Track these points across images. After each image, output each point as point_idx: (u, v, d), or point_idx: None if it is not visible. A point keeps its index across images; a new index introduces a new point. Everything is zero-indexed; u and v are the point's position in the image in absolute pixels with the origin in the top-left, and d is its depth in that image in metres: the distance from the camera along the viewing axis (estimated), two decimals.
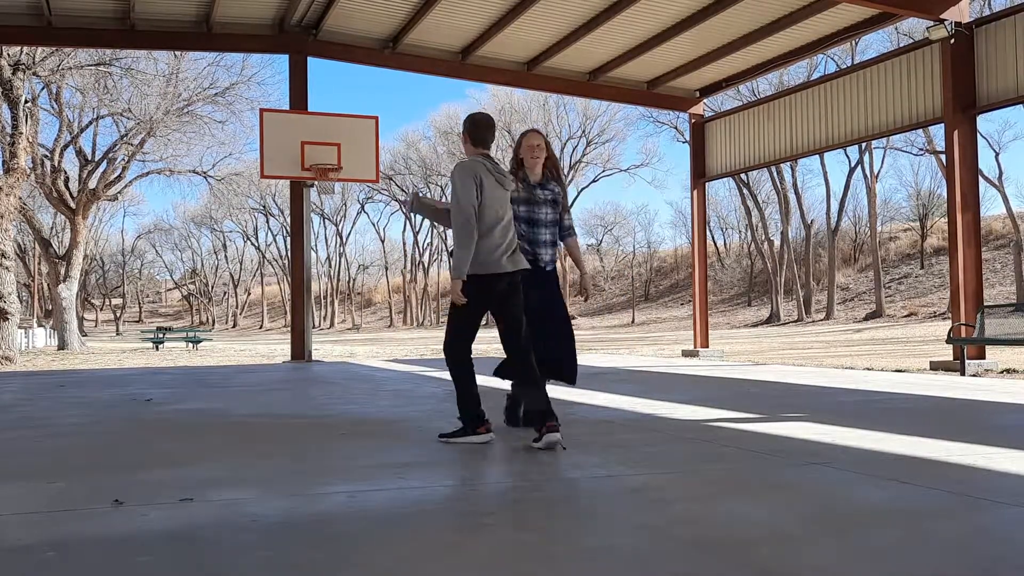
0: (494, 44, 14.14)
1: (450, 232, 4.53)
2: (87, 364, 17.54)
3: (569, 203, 5.26)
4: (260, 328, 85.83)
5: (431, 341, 37.74)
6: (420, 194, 5.12)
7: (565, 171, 66.48)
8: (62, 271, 28.80)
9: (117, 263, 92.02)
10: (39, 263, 50.29)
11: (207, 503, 3.04)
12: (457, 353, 4.43)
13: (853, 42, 34.47)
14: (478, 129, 4.47)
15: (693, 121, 16.60)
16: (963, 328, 10.93)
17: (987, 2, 33.91)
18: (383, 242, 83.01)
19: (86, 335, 51.57)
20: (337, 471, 3.69)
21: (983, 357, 11.03)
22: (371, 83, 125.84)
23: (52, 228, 51.21)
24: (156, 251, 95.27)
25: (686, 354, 15.95)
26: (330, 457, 4.11)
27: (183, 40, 14.40)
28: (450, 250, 4.47)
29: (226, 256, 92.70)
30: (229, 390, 8.28)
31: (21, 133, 20.33)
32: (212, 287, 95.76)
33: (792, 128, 14.28)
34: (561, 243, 5.17)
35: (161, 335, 31.35)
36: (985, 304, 11.05)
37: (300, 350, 13.58)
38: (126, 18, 12.85)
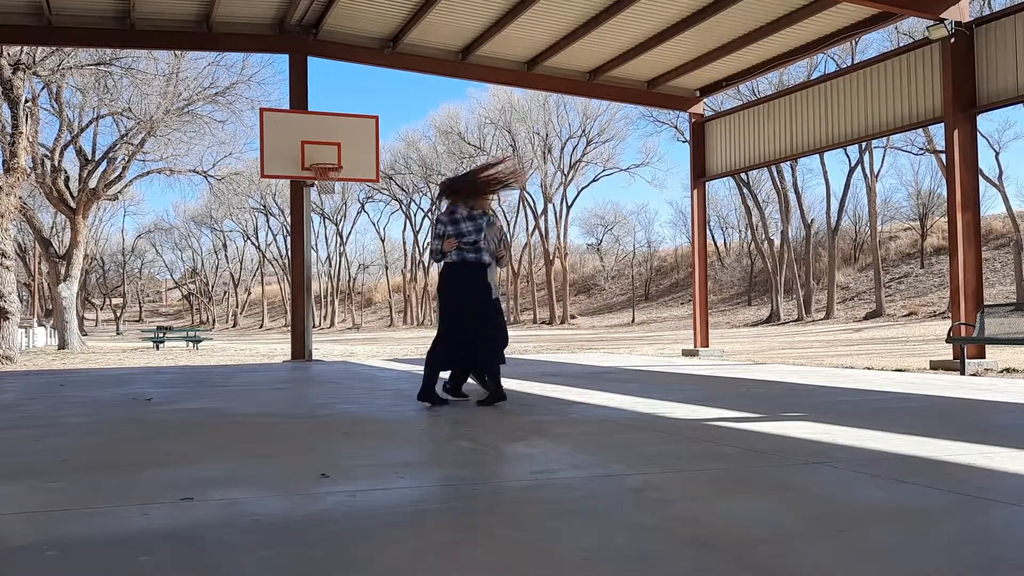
0: (494, 44, 14.14)
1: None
2: (87, 364, 17.54)
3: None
4: (260, 327, 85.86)
5: (431, 340, 37.68)
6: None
7: (565, 171, 66.73)
8: (62, 270, 28.81)
9: (117, 263, 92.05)
10: (39, 263, 50.31)
11: (207, 503, 3.04)
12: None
13: (853, 42, 34.46)
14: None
15: (693, 120, 16.60)
16: (963, 327, 10.93)
17: (987, 1, 33.88)
18: (383, 241, 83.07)
19: (86, 334, 51.58)
20: (337, 471, 3.69)
21: (983, 356, 11.03)
22: (371, 83, 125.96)
23: (52, 228, 51.19)
24: (156, 251, 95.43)
25: (686, 353, 15.95)
26: (330, 457, 4.11)
27: (183, 40, 14.40)
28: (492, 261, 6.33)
29: (226, 256, 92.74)
30: (229, 389, 8.28)
31: (21, 133, 20.34)
32: (212, 287, 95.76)
33: (792, 128, 14.28)
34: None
35: (161, 334, 31.36)
36: (985, 303, 11.05)
37: (300, 349, 13.58)
38: (126, 18, 12.85)
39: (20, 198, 22.04)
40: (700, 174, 16.37)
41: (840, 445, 4.19)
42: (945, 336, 11.45)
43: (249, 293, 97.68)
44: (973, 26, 11.09)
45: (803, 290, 50.09)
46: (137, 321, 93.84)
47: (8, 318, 17.50)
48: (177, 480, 3.50)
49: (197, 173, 33.30)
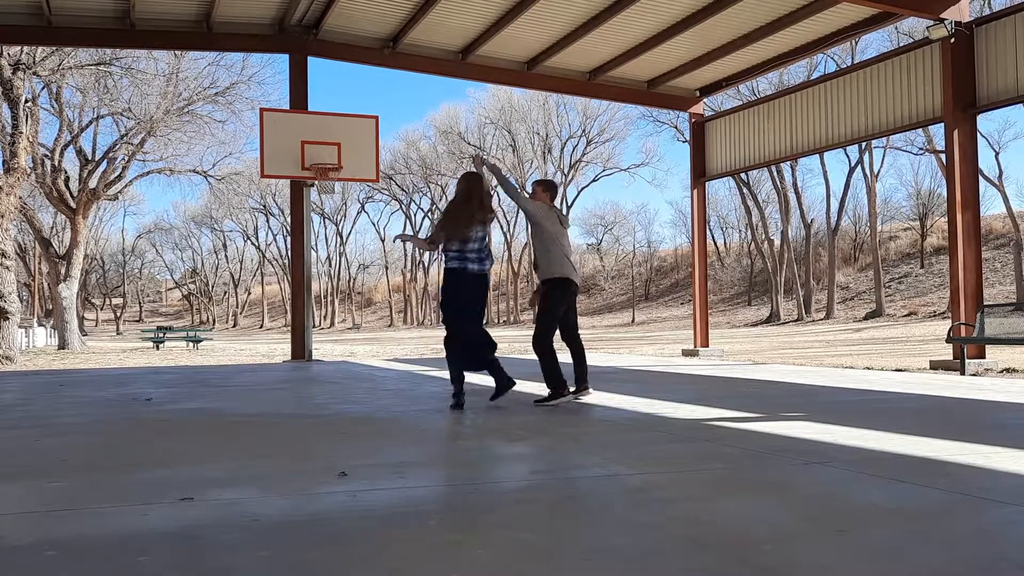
0: (494, 43, 14.13)
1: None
2: (87, 364, 17.54)
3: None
4: (260, 327, 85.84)
5: (431, 340, 37.71)
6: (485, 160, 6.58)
7: (565, 171, 66.68)
8: (62, 271, 28.81)
9: (117, 263, 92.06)
10: (39, 263, 50.29)
11: (207, 503, 3.04)
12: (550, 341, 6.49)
13: (853, 42, 34.45)
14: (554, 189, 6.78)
15: (693, 120, 16.60)
16: (963, 327, 10.93)
17: (987, 1, 33.88)
18: (383, 241, 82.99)
19: (86, 335, 51.56)
20: (337, 470, 3.69)
21: (983, 356, 11.03)
22: (371, 83, 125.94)
23: (52, 228, 51.21)
24: (156, 251, 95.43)
25: (686, 353, 15.94)
26: (330, 457, 4.11)
27: (183, 40, 14.39)
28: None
29: (226, 255, 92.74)
30: (229, 390, 8.28)
31: (21, 133, 20.34)
32: (212, 287, 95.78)
33: (792, 128, 14.28)
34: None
35: (161, 334, 31.34)
36: (985, 303, 11.05)
37: (300, 349, 13.58)
38: (126, 17, 12.84)
39: (20, 198, 22.05)
40: (700, 174, 16.37)
41: (840, 445, 4.19)
42: (945, 336, 11.44)
43: (249, 293, 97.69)
44: (973, 26, 11.09)
45: (803, 290, 50.08)
46: (137, 321, 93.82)
47: (8, 318, 17.50)
48: (177, 480, 3.50)
49: (197, 173, 33.31)
